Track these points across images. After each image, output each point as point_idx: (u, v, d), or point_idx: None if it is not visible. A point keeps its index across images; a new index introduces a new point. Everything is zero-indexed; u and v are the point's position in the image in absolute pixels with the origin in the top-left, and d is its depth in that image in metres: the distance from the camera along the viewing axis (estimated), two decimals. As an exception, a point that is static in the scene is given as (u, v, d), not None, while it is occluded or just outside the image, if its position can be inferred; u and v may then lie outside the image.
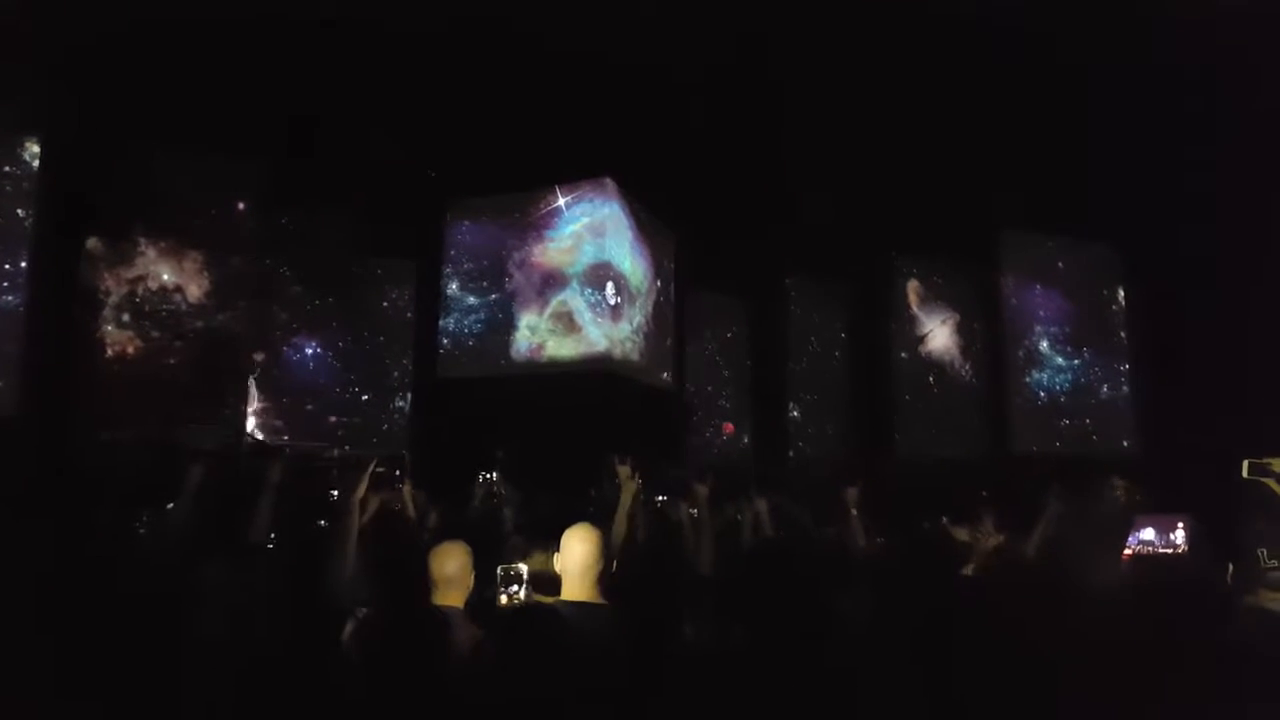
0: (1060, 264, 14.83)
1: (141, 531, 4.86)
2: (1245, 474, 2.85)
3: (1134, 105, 10.34)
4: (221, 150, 10.97)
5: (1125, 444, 14.28)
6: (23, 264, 9.56)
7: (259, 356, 11.70)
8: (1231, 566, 3.10)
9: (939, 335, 14.82)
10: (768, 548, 3.77)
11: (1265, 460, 2.84)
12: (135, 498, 5.37)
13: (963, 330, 14.92)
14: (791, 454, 14.61)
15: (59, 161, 9.75)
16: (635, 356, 13.34)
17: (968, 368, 14.86)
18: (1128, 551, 5.90)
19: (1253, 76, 9.26)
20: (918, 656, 2.82)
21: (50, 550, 3.80)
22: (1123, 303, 14.90)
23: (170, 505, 4.75)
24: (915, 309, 14.78)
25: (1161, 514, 6.97)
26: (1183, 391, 12.17)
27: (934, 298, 14.89)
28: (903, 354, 14.60)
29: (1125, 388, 14.68)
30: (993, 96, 10.39)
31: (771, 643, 2.39)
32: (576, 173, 12.62)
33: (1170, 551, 6.89)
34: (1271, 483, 2.78)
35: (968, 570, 4.26)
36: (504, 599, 3.56)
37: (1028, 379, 14.46)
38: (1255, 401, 10.06)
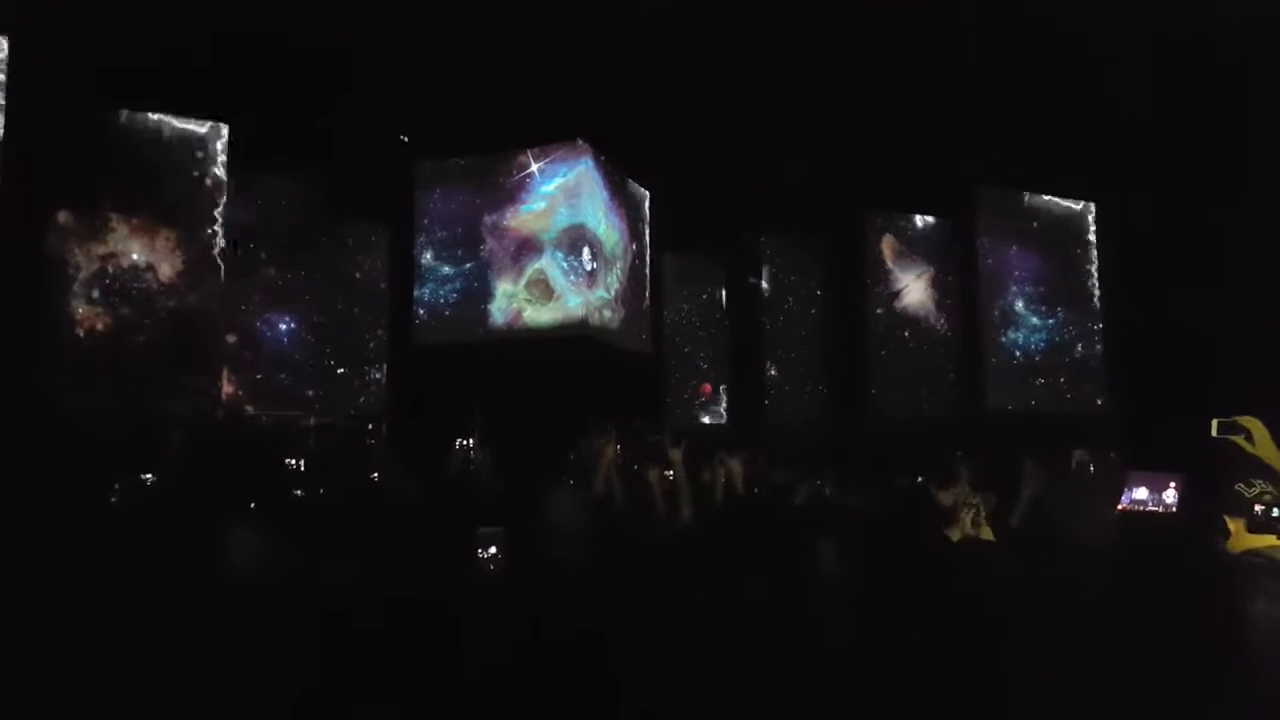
0: (1035, 223, 14.89)
1: (113, 500, 4.81)
2: (1214, 433, 2.86)
3: (1111, 62, 10.32)
4: (189, 119, 10.80)
5: (1099, 402, 14.43)
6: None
7: (231, 338, 11.57)
8: (1226, 519, 3.11)
9: (914, 290, 14.87)
10: (740, 507, 3.78)
11: (1233, 419, 2.86)
12: (109, 466, 5.31)
13: (938, 285, 14.96)
14: (769, 412, 14.67)
15: (22, 130, 9.53)
16: (612, 321, 13.32)
17: (943, 322, 14.92)
18: (1120, 508, 5.95)
19: (1229, 36, 9.26)
20: (896, 612, 2.84)
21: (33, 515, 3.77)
22: (1096, 261, 14.99)
23: (145, 474, 4.71)
24: (890, 264, 14.80)
25: (1153, 472, 7.01)
26: (1155, 349, 12.26)
27: (909, 253, 14.91)
28: (879, 310, 14.64)
29: (1098, 346, 14.81)
30: (968, 53, 10.34)
31: (745, 597, 2.41)
32: (548, 135, 12.49)
33: (1160, 510, 6.94)
34: (1240, 440, 2.80)
35: (952, 535, 4.25)
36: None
37: (1002, 338, 14.56)
38: (1226, 358, 10.16)
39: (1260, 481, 2.72)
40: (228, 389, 11.50)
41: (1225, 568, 2.65)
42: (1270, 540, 2.69)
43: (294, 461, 9.90)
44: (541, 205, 12.69)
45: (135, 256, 10.64)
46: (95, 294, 10.41)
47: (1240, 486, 2.74)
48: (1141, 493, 6.84)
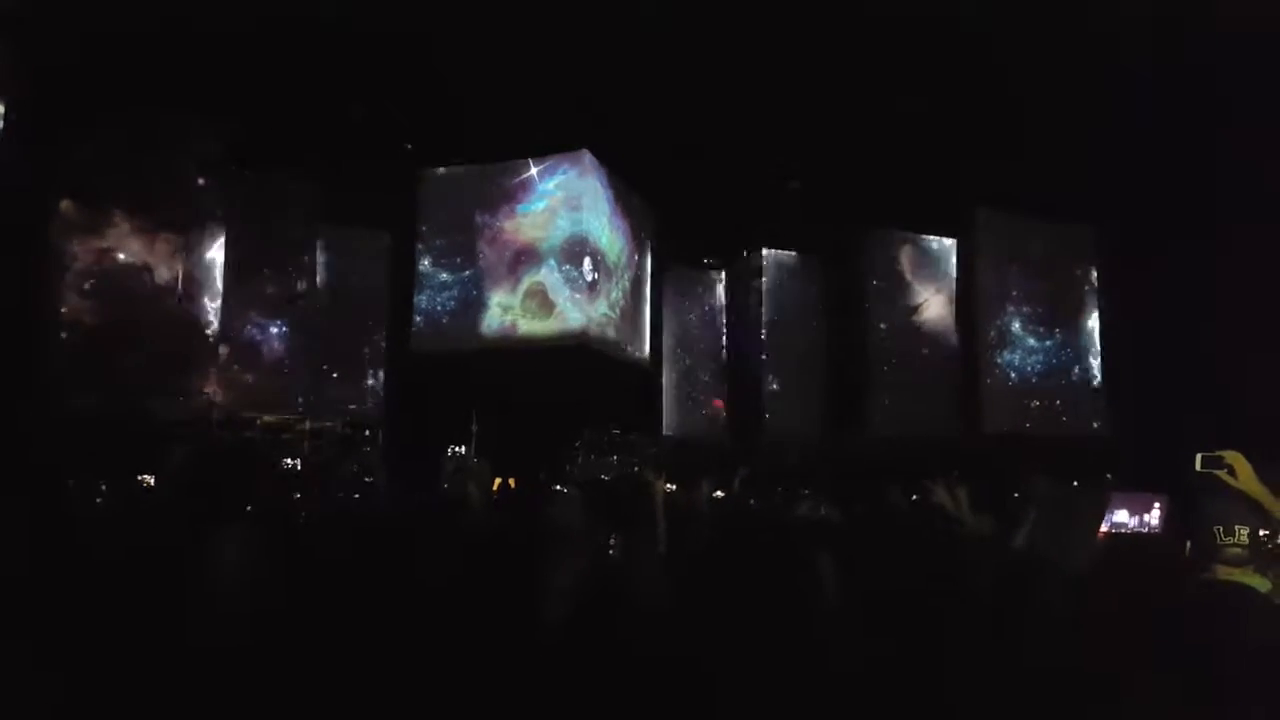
0: (1033, 244, 14.89)
1: (99, 501, 4.79)
2: (1198, 467, 2.87)
3: (1112, 83, 10.36)
4: (187, 120, 10.79)
5: (1095, 425, 14.40)
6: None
7: (227, 341, 11.52)
8: (1190, 543, 3.14)
9: (920, 309, 14.89)
10: (737, 521, 3.77)
11: (1217, 454, 2.86)
12: (100, 468, 5.30)
13: (941, 306, 14.97)
14: (768, 427, 14.64)
15: (18, 129, 9.51)
16: (612, 334, 13.27)
17: (943, 340, 14.92)
18: (1103, 530, 5.90)
19: (1223, 59, 9.29)
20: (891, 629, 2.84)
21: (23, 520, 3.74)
22: (1094, 284, 15.01)
23: (139, 477, 4.69)
24: (894, 282, 14.82)
25: (1137, 493, 6.96)
26: (1152, 373, 12.29)
27: (912, 272, 14.93)
28: (881, 325, 14.63)
29: (1095, 369, 14.81)
30: (968, 75, 10.38)
31: (740, 610, 2.40)
32: (552, 144, 12.50)
33: (1145, 531, 6.89)
34: (1223, 474, 2.80)
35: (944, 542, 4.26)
36: None
37: (999, 359, 14.54)
38: (1221, 383, 10.17)
39: (1241, 528, 2.73)
40: (222, 392, 11.44)
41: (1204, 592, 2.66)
42: (1246, 574, 2.70)
43: (289, 464, 9.89)
44: (542, 213, 12.66)
45: (132, 258, 10.62)
46: (89, 292, 10.37)
47: (1218, 530, 2.75)
48: (1123, 515, 6.78)
